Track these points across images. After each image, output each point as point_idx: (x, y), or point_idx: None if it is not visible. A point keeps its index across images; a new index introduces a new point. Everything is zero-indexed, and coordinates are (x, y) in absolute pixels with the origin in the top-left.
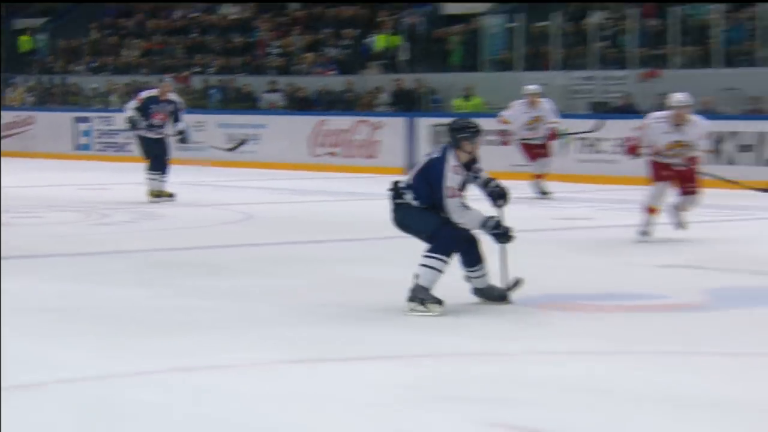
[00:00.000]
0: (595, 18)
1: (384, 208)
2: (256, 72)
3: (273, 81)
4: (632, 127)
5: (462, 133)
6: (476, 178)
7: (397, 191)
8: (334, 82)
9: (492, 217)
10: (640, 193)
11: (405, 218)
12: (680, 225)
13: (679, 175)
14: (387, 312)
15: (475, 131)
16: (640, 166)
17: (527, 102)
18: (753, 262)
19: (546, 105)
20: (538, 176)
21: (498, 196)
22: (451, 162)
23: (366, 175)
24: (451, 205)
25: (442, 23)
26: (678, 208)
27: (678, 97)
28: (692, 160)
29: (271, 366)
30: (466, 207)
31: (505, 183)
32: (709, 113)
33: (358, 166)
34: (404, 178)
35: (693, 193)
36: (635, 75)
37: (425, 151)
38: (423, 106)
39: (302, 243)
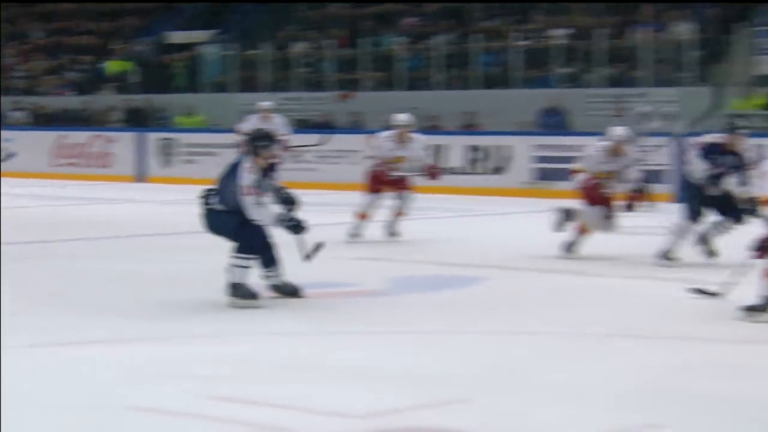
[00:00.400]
0: (298, 47)
1: (118, 210)
2: (4, 93)
3: (18, 101)
4: (365, 146)
5: (260, 142)
6: (270, 185)
7: (205, 197)
8: (73, 101)
9: (285, 213)
10: (339, 197)
11: (212, 222)
12: (394, 233)
13: (395, 183)
14: (132, 301)
15: (272, 140)
16: (338, 173)
17: (261, 117)
18: (429, 254)
19: (278, 120)
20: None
21: (290, 201)
22: (247, 164)
23: (101, 182)
24: (248, 202)
25: (167, 51)
26: (395, 214)
27: (401, 118)
28: (432, 168)
29: (18, 350)
30: (261, 204)
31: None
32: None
33: (94, 175)
34: (212, 186)
35: (406, 190)
36: (332, 96)
37: (154, 161)
38: (151, 123)
39: (48, 242)
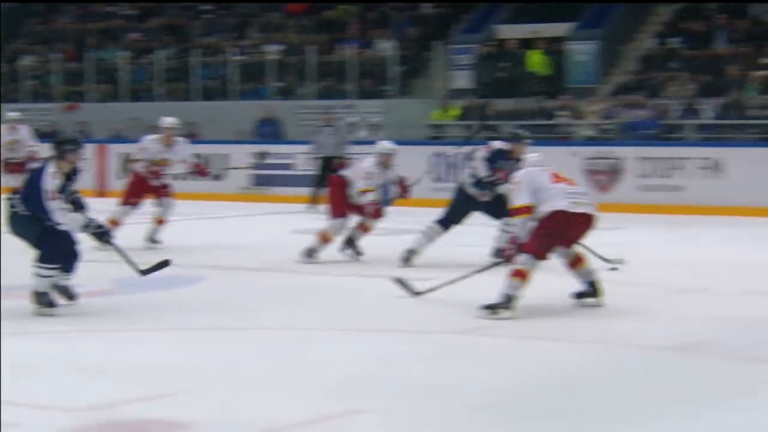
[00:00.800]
0: (27, 60)
1: None
2: None
3: None
4: (136, 149)
5: (66, 145)
6: (71, 190)
7: (10, 201)
8: None
9: (92, 220)
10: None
11: (16, 228)
12: (155, 241)
13: (156, 188)
14: None
15: (79, 144)
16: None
17: (9, 127)
18: (155, 256)
19: (24, 130)
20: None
21: (80, 206)
22: (51, 169)
23: None
24: (51, 206)
25: None
26: (156, 221)
27: (168, 121)
28: (198, 166)
29: None
30: (65, 209)
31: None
32: (119, 138)
33: None
34: (17, 189)
35: (167, 197)
36: (59, 107)
37: None
38: None
39: None
